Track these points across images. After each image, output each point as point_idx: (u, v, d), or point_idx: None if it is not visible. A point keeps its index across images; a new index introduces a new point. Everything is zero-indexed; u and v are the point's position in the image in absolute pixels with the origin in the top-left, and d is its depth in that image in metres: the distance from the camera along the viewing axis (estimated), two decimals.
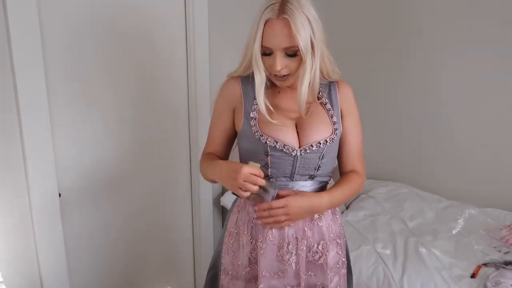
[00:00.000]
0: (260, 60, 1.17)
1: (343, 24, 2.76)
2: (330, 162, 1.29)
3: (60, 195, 1.69)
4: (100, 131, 1.83)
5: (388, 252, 1.95)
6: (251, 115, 1.25)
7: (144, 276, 2.14)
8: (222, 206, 2.37)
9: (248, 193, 1.12)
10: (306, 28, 1.12)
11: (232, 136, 1.35)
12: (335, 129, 1.26)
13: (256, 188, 1.12)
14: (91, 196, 1.84)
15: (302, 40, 1.11)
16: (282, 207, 1.15)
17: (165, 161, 2.12)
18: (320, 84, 1.27)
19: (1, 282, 1.38)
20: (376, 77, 2.74)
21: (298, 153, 1.22)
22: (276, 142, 1.21)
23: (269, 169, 1.24)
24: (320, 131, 1.24)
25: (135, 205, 2.03)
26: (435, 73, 2.52)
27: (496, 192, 2.40)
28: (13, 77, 1.48)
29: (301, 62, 1.16)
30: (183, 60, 2.09)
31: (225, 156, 1.38)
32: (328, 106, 1.28)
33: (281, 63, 1.15)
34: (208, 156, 1.33)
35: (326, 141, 1.23)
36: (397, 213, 2.34)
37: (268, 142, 1.21)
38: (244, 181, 1.10)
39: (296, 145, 1.23)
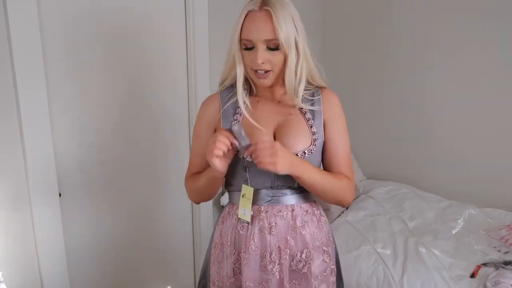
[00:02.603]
0: (239, 52, 1.15)
1: (336, 26, 2.76)
2: None
3: (60, 195, 1.69)
4: (100, 131, 1.83)
5: (388, 252, 1.95)
6: None
7: (144, 276, 2.14)
8: (222, 206, 2.36)
9: (222, 151, 1.09)
10: (288, 22, 1.11)
11: None
12: (314, 140, 1.21)
13: (228, 143, 1.10)
14: (91, 196, 1.84)
15: (283, 32, 1.10)
16: (269, 146, 1.09)
17: (165, 161, 2.12)
18: (304, 90, 1.24)
19: (1, 282, 1.38)
20: (377, 77, 2.74)
21: None
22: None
23: (249, 183, 1.21)
24: (299, 142, 1.20)
25: (135, 205, 2.03)
26: (435, 74, 2.52)
27: (496, 192, 2.40)
28: (13, 78, 1.49)
29: (283, 58, 1.14)
30: (183, 60, 2.09)
31: None
32: (308, 115, 1.23)
33: (262, 57, 1.13)
34: (193, 175, 1.30)
35: (305, 153, 1.19)
36: (397, 213, 2.34)
37: (244, 156, 1.17)
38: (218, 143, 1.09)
39: None
